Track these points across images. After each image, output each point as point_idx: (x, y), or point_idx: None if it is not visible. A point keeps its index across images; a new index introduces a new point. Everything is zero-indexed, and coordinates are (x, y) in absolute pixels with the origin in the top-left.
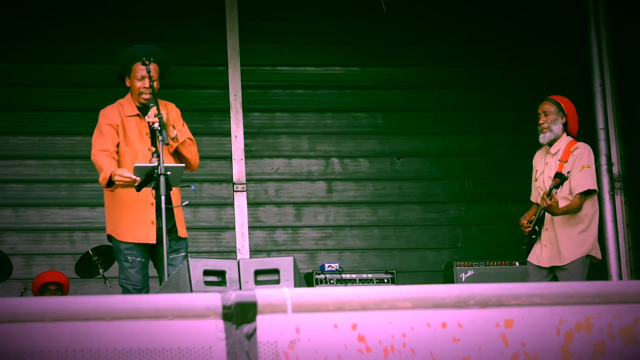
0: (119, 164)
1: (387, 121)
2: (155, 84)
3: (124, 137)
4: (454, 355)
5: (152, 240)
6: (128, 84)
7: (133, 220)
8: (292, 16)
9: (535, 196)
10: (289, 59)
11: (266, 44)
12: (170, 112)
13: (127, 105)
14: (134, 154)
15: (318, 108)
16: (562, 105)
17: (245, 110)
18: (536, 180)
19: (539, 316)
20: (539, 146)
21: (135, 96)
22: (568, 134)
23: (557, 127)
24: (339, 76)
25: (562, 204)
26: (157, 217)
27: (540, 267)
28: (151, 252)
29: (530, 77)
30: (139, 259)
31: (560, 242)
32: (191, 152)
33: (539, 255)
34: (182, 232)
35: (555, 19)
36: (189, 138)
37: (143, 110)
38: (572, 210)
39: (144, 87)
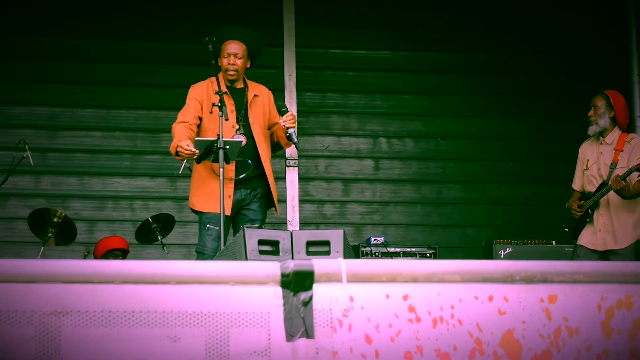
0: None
1: (433, 104)
2: (240, 62)
3: (208, 115)
4: (499, 327)
5: (227, 212)
6: (219, 64)
7: (212, 193)
8: (345, 2)
9: (585, 184)
10: (341, 43)
11: (320, 27)
12: (268, 97)
13: (215, 82)
14: (217, 130)
15: (367, 89)
16: (612, 99)
17: (299, 90)
18: (587, 169)
19: (581, 293)
20: (574, 130)
21: (223, 74)
22: (618, 127)
23: (604, 121)
24: (388, 60)
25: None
26: (234, 190)
27: (593, 250)
28: (233, 221)
29: (568, 65)
30: (216, 228)
31: (616, 228)
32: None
33: (593, 239)
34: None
35: (596, 11)
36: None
37: (231, 89)
38: (633, 196)
39: (229, 64)
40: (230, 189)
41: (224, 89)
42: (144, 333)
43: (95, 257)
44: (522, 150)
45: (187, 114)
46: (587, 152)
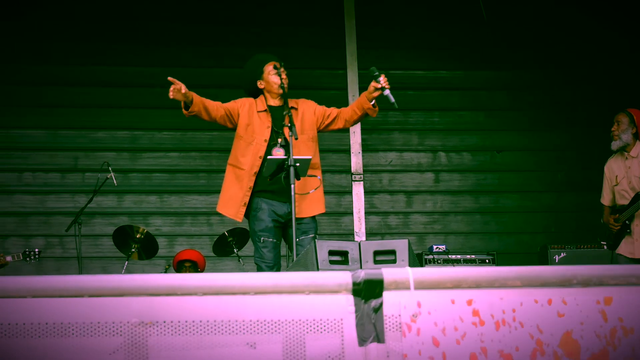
0: (235, 148)
1: (488, 119)
2: (285, 81)
3: (245, 123)
4: (558, 329)
5: (240, 219)
6: (261, 86)
7: (231, 198)
8: (403, 26)
9: (617, 198)
10: (400, 64)
11: (380, 49)
12: (305, 105)
13: (259, 102)
14: (249, 140)
15: (426, 107)
16: (635, 117)
17: None
18: (617, 184)
19: (635, 294)
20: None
21: (273, 90)
22: None
23: (627, 136)
24: (445, 79)
25: None
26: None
27: (633, 259)
28: (283, 233)
29: (618, 79)
30: (270, 239)
31: None
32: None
33: (632, 248)
34: (308, 212)
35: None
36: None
37: (270, 107)
38: None
39: (281, 79)
40: (247, 197)
41: (264, 107)
42: (224, 340)
43: (174, 269)
44: (571, 160)
45: (224, 103)
46: (614, 168)
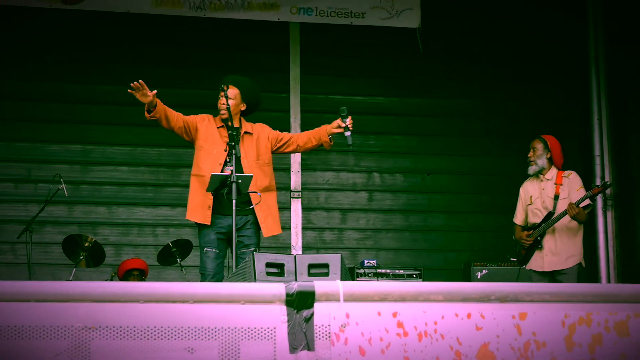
0: (196, 159)
1: (420, 143)
2: (231, 103)
3: (205, 135)
4: (476, 341)
5: (208, 222)
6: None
7: (197, 205)
8: (345, 54)
9: (530, 217)
10: (340, 89)
11: (322, 76)
12: (261, 129)
13: (217, 119)
14: (210, 150)
15: (363, 130)
16: (548, 143)
17: (303, 130)
18: (531, 203)
19: (548, 311)
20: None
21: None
22: (554, 166)
23: (542, 161)
24: (381, 105)
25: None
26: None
27: (542, 273)
28: (227, 246)
29: (540, 110)
30: (214, 250)
31: (562, 250)
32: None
33: (542, 262)
34: (268, 232)
35: (562, 64)
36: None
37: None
38: (584, 220)
39: (221, 104)
40: (210, 200)
41: (221, 124)
42: (165, 345)
43: (119, 278)
44: (495, 184)
45: (185, 116)
46: (529, 189)
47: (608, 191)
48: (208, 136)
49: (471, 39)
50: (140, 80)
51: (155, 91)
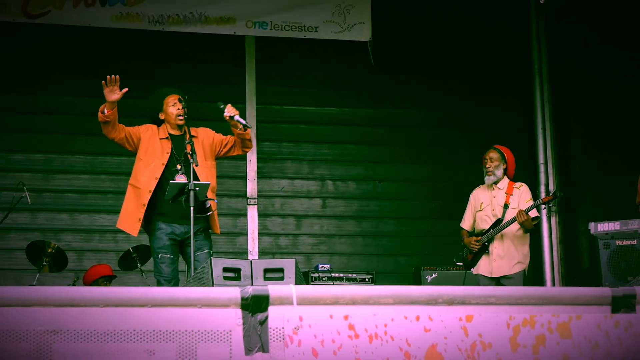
0: (135, 170)
1: (372, 152)
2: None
3: (146, 147)
4: (425, 342)
5: (135, 234)
6: (162, 117)
7: (128, 215)
8: (298, 66)
9: (478, 223)
10: (294, 100)
11: (277, 87)
12: (205, 133)
13: (161, 130)
14: (148, 163)
15: (317, 140)
16: (505, 154)
17: (259, 140)
18: (481, 210)
19: (493, 313)
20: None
21: (171, 121)
22: (507, 176)
23: (499, 172)
24: (334, 115)
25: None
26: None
27: (490, 277)
28: (180, 250)
29: (486, 120)
30: (168, 255)
31: (509, 257)
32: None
33: (490, 268)
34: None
35: (507, 77)
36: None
37: (173, 137)
38: (530, 228)
39: (178, 110)
40: (141, 213)
41: (166, 135)
42: (124, 348)
43: (85, 283)
44: (444, 191)
45: (127, 127)
46: (480, 196)
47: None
48: (149, 148)
49: (420, 52)
50: (117, 76)
51: (126, 89)
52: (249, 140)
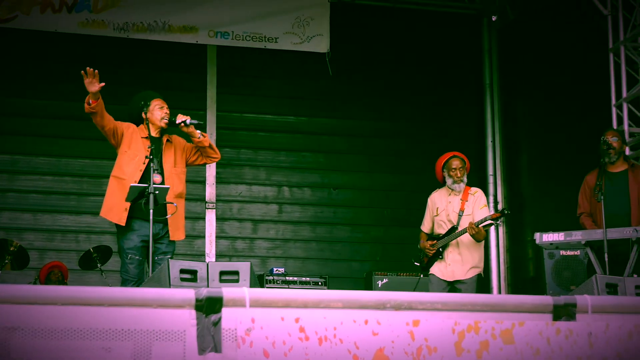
0: (119, 162)
1: (327, 160)
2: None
3: (129, 142)
4: (373, 346)
5: (123, 223)
6: (144, 116)
7: (115, 205)
8: (258, 76)
9: (435, 227)
10: (253, 108)
11: (237, 95)
12: (178, 140)
13: (142, 130)
14: (133, 156)
15: (274, 147)
16: (465, 161)
17: (218, 146)
18: (437, 215)
19: (439, 318)
20: (438, 185)
21: (154, 123)
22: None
23: (465, 178)
24: (291, 124)
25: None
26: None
27: (443, 280)
28: (147, 253)
29: (438, 132)
30: (137, 257)
31: (464, 262)
32: (214, 146)
33: (444, 271)
34: (173, 236)
35: (459, 90)
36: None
37: (152, 138)
38: (483, 238)
39: (166, 113)
40: (128, 203)
41: (146, 134)
42: (82, 345)
43: (40, 280)
44: (398, 199)
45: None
46: (437, 200)
47: (499, 207)
48: (132, 142)
49: (376, 64)
50: (96, 70)
51: (103, 84)
52: (211, 148)
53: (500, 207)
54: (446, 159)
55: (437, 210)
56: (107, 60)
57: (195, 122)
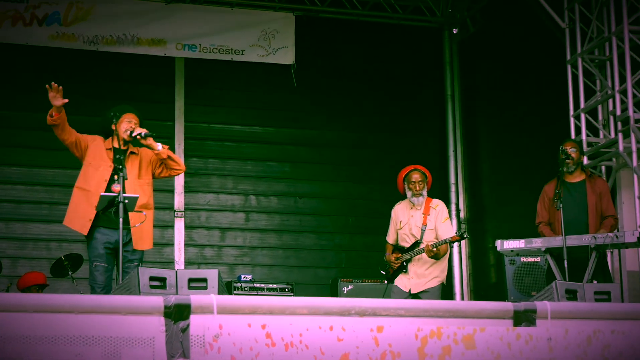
0: (83, 173)
1: (293, 170)
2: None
3: (93, 154)
4: (338, 351)
5: (85, 232)
6: (113, 128)
7: (78, 214)
8: (225, 87)
9: (399, 240)
10: (220, 119)
11: (204, 106)
12: (145, 152)
13: (107, 142)
14: (97, 167)
15: (241, 157)
16: (427, 175)
17: (186, 156)
18: (401, 228)
19: (402, 324)
20: (401, 196)
21: (121, 134)
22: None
23: (425, 192)
24: (258, 134)
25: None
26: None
27: (405, 291)
28: (114, 260)
29: (402, 142)
30: (102, 264)
31: (426, 274)
32: (177, 159)
33: (407, 283)
34: (137, 245)
35: (422, 101)
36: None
37: (115, 149)
38: (444, 254)
39: (131, 126)
40: (92, 213)
41: (110, 146)
42: (53, 350)
43: (19, 288)
44: (361, 208)
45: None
46: (400, 213)
47: (462, 215)
48: (97, 154)
49: (340, 76)
50: (60, 86)
51: (66, 100)
52: (172, 160)
53: (462, 214)
54: (407, 172)
55: (400, 224)
56: (77, 72)
57: (149, 134)
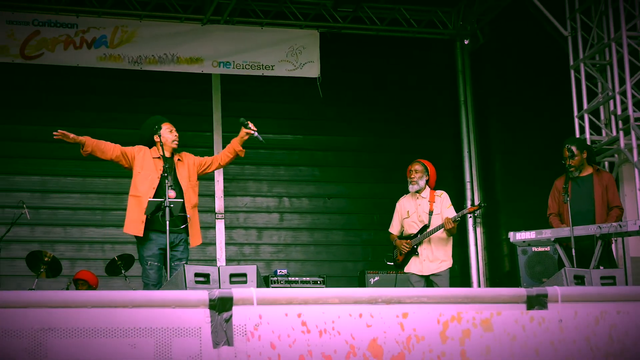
0: (134, 182)
1: (321, 173)
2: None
3: (142, 164)
4: (367, 336)
5: (141, 234)
6: (157, 139)
7: (133, 220)
8: (257, 100)
9: (406, 229)
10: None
11: (239, 118)
12: (187, 157)
13: (154, 151)
14: (146, 175)
15: (274, 163)
16: (427, 167)
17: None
18: (408, 217)
19: (425, 310)
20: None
21: (167, 144)
22: (429, 186)
23: (422, 182)
24: (289, 141)
25: (438, 222)
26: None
27: (420, 275)
28: (165, 259)
29: (420, 145)
30: (156, 263)
31: (437, 257)
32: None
33: (420, 267)
34: (193, 243)
35: (438, 107)
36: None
37: (163, 157)
38: (453, 234)
39: (176, 136)
40: (144, 216)
41: (158, 155)
42: (110, 342)
43: (73, 279)
44: (384, 206)
45: (122, 146)
46: (406, 205)
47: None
48: (145, 164)
49: (362, 87)
50: (58, 132)
51: (72, 134)
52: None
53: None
54: (411, 164)
55: (407, 213)
56: (123, 90)
57: (260, 138)
